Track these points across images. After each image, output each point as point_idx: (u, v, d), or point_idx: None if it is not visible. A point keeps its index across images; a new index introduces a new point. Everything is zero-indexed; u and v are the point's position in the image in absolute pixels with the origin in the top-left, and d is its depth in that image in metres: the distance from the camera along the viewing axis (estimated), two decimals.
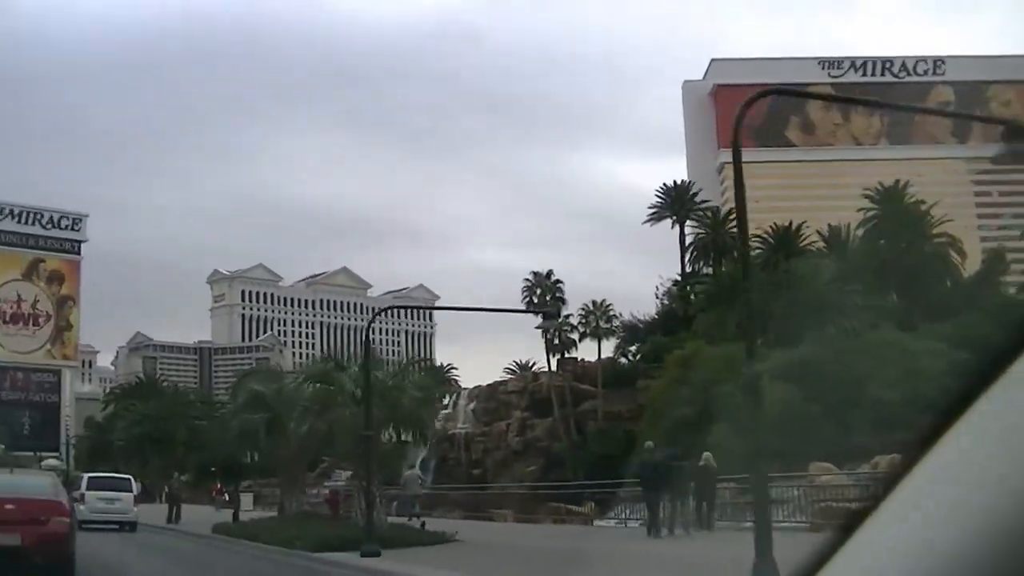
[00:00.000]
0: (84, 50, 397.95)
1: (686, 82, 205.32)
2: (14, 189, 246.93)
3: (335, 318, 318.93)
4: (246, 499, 79.75)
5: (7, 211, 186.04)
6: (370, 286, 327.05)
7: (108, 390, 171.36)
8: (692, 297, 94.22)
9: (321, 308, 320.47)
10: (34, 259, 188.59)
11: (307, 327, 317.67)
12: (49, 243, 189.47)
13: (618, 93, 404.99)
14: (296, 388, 37.41)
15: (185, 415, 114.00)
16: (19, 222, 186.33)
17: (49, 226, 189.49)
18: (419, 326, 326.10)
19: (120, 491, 48.39)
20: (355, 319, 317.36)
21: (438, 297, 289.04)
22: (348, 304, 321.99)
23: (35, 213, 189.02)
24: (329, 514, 40.96)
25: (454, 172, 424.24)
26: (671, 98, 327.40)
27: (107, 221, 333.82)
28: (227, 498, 76.09)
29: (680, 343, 75.94)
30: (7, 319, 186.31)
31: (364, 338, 29.73)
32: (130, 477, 54.71)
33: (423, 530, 34.19)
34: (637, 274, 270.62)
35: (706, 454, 35.34)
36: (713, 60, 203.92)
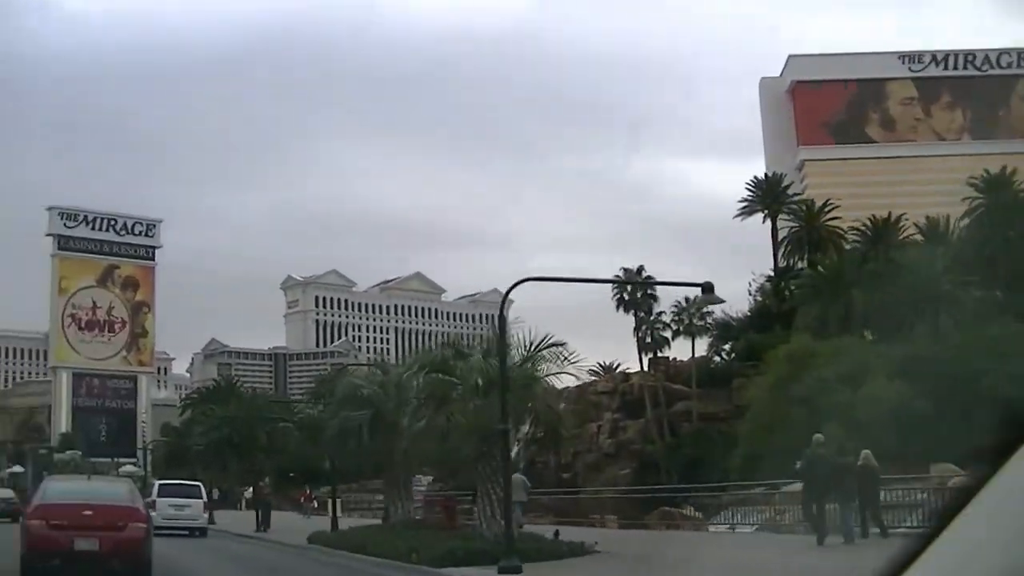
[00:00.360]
0: (154, 60, 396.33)
1: (763, 79, 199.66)
2: (88, 197, 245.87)
3: (409, 323, 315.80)
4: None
5: (81, 218, 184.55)
6: (444, 291, 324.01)
7: (184, 396, 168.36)
8: (787, 292, 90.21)
9: (395, 313, 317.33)
10: (108, 265, 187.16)
11: (381, 332, 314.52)
12: (123, 249, 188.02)
13: (689, 93, 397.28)
14: (406, 380, 33.39)
15: (265, 419, 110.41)
16: (93, 228, 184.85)
17: (123, 232, 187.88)
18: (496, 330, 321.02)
19: (190, 498, 48.92)
20: (429, 324, 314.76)
21: (512, 302, 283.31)
22: (422, 309, 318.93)
23: (109, 219, 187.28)
24: (443, 523, 36.53)
25: (526, 177, 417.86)
26: (745, 98, 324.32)
27: (180, 230, 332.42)
28: (315, 504, 72.55)
29: (776, 340, 72.09)
30: (82, 326, 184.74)
31: (499, 313, 24.18)
32: (199, 484, 54.66)
33: (557, 540, 29.80)
34: (712, 274, 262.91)
35: (865, 452, 30.95)
36: (791, 56, 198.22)
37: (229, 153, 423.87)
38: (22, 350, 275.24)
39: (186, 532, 45.00)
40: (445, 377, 29.87)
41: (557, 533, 30.13)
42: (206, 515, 49.76)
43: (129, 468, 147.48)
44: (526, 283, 31.14)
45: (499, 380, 27.22)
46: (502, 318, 26.06)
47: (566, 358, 30.30)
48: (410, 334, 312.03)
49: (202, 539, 44.11)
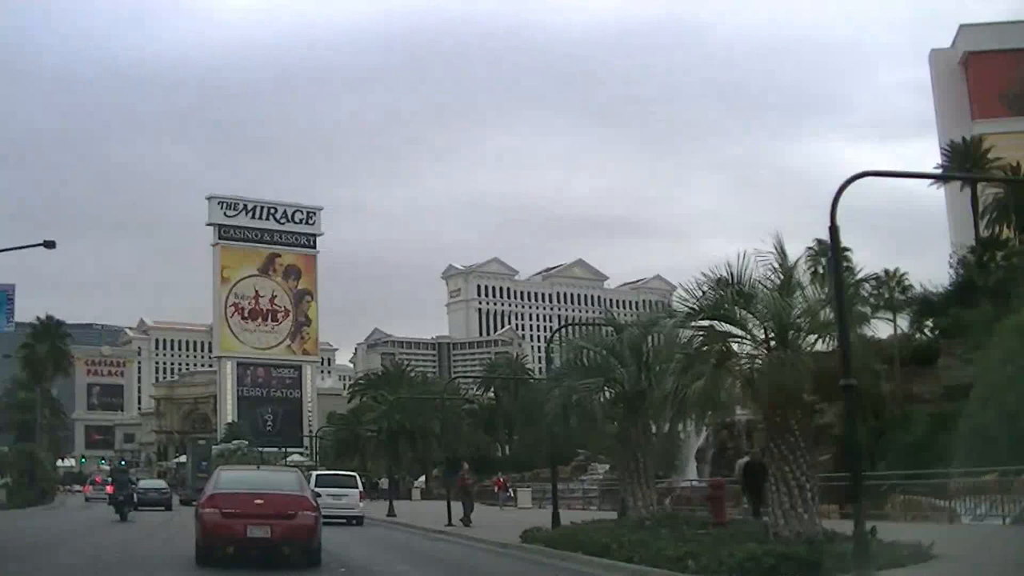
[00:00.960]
0: (322, 56, 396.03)
1: (934, 51, 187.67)
2: (248, 187, 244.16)
3: (572, 311, 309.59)
4: (523, 494, 69.39)
5: (241, 207, 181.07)
6: (606, 278, 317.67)
7: (351, 384, 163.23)
8: (994, 264, 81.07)
9: (557, 301, 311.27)
10: (270, 254, 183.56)
11: (544, 320, 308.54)
12: (284, 237, 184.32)
13: (849, 73, 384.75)
14: (669, 335, 25.83)
15: (437, 405, 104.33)
16: (253, 217, 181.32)
17: (283, 220, 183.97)
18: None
19: (346, 487, 50.41)
20: (591, 311, 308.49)
21: (674, 288, 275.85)
22: (584, 296, 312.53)
23: (270, 208, 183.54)
24: (710, 516, 28.67)
25: (685, 164, 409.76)
26: (910, 77, 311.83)
27: (342, 223, 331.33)
28: (511, 493, 65.98)
29: (986, 315, 63.31)
30: (245, 315, 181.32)
31: (831, 217, 16.15)
32: (355, 474, 56.71)
33: (874, 537, 21.82)
34: (898, 252, 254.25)
35: None
36: (962, 26, 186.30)
37: (392, 146, 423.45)
38: (189, 342, 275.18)
39: (343, 521, 45.71)
40: (726, 326, 22.30)
41: (874, 530, 22.13)
42: (362, 504, 50.72)
43: (297, 458, 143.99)
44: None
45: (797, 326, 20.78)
46: (833, 228, 18.04)
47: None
48: (573, 321, 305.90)
49: (384, 533, 41.84)
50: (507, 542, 31.69)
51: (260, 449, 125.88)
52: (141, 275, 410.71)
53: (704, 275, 22.79)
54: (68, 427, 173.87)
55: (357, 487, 51.44)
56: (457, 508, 44.89)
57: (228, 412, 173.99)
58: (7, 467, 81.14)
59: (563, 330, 44.11)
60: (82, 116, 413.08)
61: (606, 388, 29.67)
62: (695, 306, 22.96)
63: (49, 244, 58.77)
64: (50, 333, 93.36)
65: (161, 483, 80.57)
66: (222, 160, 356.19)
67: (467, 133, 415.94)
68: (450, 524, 43.20)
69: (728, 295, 21.89)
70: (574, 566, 24.75)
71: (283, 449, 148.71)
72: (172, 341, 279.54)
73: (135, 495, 57.83)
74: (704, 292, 22.76)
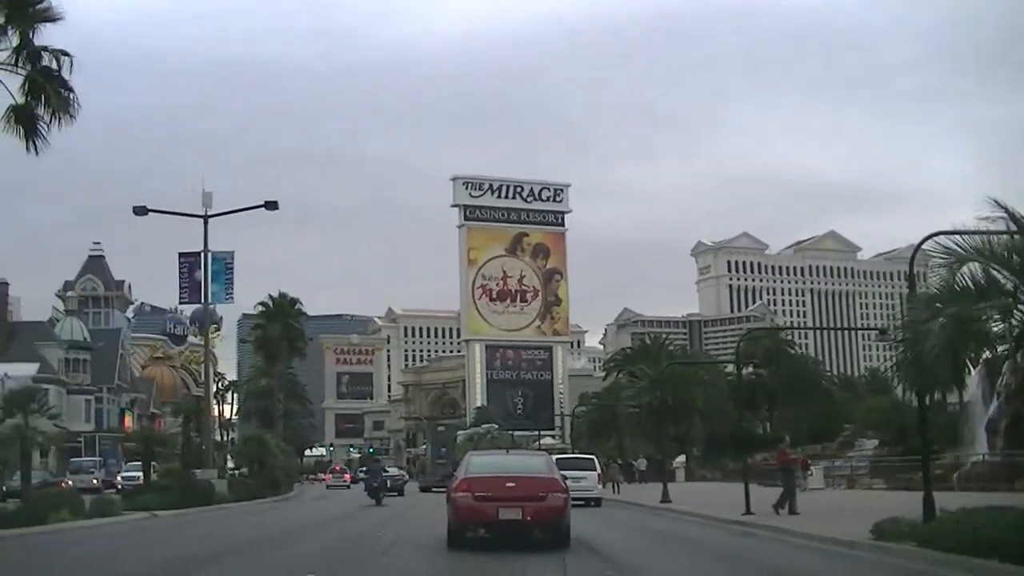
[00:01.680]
0: (559, 38, 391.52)
1: None
2: (492, 167, 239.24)
3: (824, 284, 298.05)
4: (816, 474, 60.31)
5: (487, 186, 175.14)
6: (859, 249, 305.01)
7: (605, 361, 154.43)
8: None
9: (809, 274, 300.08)
10: (517, 233, 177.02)
11: (796, 295, 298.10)
12: (531, 216, 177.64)
13: None
14: None
15: (700, 380, 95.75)
16: (499, 196, 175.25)
17: (531, 199, 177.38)
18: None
19: (585, 470, 50.83)
20: (844, 284, 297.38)
21: (931, 257, 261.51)
22: (836, 269, 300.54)
23: (515, 186, 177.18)
24: None
25: (938, 131, 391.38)
26: None
27: (588, 204, 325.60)
28: (812, 472, 57.43)
29: None
30: (493, 296, 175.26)
31: None
32: (593, 457, 57.22)
33: None
34: None
35: None
36: None
37: (637, 125, 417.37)
38: (438, 329, 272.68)
39: (582, 503, 44.61)
40: None
41: None
42: (600, 487, 52.13)
43: (548, 440, 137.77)
44: None
45: None
46: None
47: None
48: (825, 295, 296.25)
49: (667, 526, 36.10)
50: (850, 539, 22.84)
51: (511, 432, 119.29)
52: (390, 265, 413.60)
53: None
54: (315, 415, 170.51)
55: (595, 469, 52.71)
56: (757, 492, 36.61)
57: (477, 396, 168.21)
58: (237, 456, 75.44)
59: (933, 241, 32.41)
60: (329, 112, 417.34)
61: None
62: None
63: (271, 205, 52.49)
64: (283, 311, 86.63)
65: (393, 470, 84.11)
66: (467, 147, 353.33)
67: (712, 108, 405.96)
68: (748, 512, 34.55)
69: None
70: None
71: (537, 432, 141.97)
72: (420, 328, 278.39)
73: (387, 481, 60.35)
74: None
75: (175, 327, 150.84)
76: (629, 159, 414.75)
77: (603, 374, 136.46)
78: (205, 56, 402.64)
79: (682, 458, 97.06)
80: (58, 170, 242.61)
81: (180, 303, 56.82)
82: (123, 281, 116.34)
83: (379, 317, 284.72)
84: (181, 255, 53.58)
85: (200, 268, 52.31)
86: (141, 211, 51.31)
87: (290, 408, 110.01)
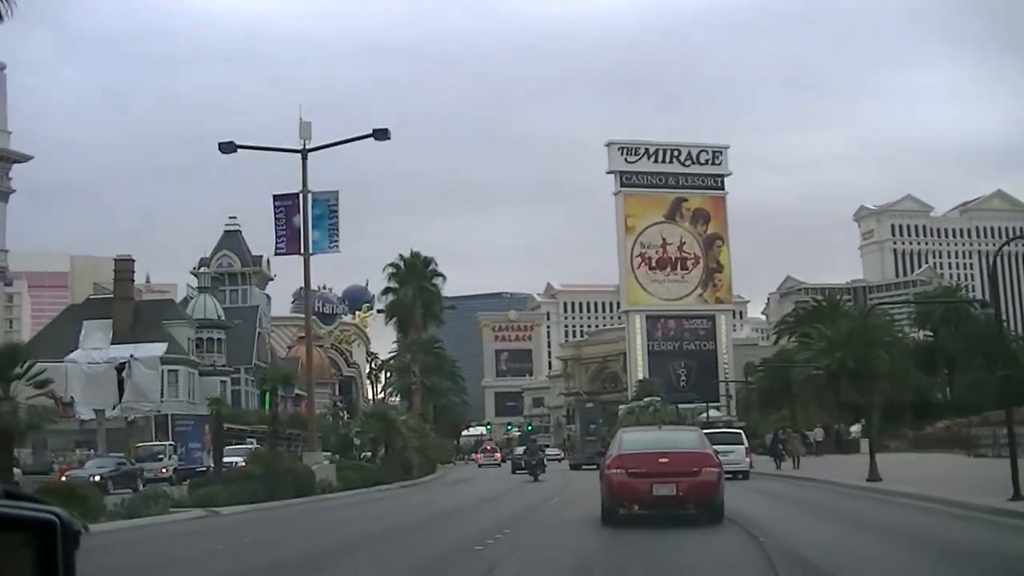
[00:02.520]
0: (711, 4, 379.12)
1: None
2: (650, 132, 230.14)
3: (992, 245, 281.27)
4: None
5: (643, 151, 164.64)
6: None
7: (776, 323, 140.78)
8: None
9: (976, 236, 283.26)
10: (676, 199, 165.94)
11: (963, 257, 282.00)
12: (690, 180, 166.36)
13: None
14: None
15: (883, 341, 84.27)
16: (656, 161, 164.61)
17: (688, 162, 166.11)
18: None
19: (732, 444, 49.83)
20: (1016, 245, 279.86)
21: None
22: (1005, 229, 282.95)
23: (672, 150, 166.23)
24: None
25: None
26: None
27: (747, 175, 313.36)
28: None
29: None
30: (652, 265, 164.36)
31: None
32: (740, 431, 57.84)
33: None
34: None
35: None
36: None
37: (794, 92, 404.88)
38: (597, 304, 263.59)
39: (729, 475, 40.13)
40: None
41: None
42: (747, 459, 52.15)
43: (714, 412, 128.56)
44: None
45: None
46: None
47: None
48: (993, 257, 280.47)
49: (904, 517, 27.50)
50: None
51: (676, 405, 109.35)
52: (548, 242, 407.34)
53: None
54: (468, 392, 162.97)
55: (743, 443, 52.56)
56: (970, 465, 26.78)
57: (638, 368, 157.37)
58: (361, 437, 65.42)
59: None
60: (482, 89, 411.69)
61: None
62: None
63: (380, 133, 43.22)
64: (415, 272, 75.93)
65: (519, 449, 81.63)
66: (622, 118, 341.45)
67: (872, 71, 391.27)
68: (1019, 496, 23.95)
69: None
70: None
71: (704, 404, 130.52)
72: (580, 304, 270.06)
73: (544, 460, 61.42)
74: None
75: (323, 306, 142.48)
76: (784, 127, 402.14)
77: (770, 341, 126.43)
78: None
79: (857, 427, 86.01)
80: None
81: (276, 253, 47.26)
82: (260, 256, 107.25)
83: (538, 294, 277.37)
84: (276, 198, 44.60)
85: (299, 212, 43.04)
86: (228, 148, 42.73)
87: (437, 384, 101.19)
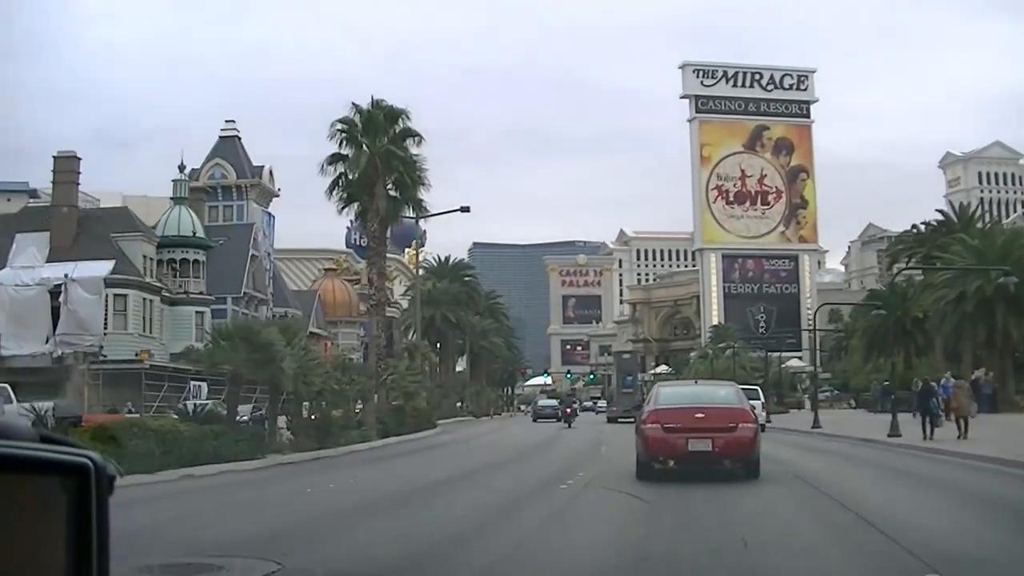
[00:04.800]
0: None
1: None
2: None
3: None
4: None
5: (720, 74, 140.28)
6: None
7: (893, 241, 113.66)
8: None
9: None
10: (757, 127, 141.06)
11: None
12: (772, 107, 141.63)
13: None
14: None
15: None
16: (735, 85, 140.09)
17: (771, 87, 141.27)
18: None
19: (751, 400, 38.27)
20: None
21: None
22: None
23: (753, 73, 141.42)
24: None
25: None
26: None
27: (830, 127, 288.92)
28: None
29: None
30: (730, 199, 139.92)
31: None
32: (758, 388, 54.73)
33: None
34: None
35: None
36: None
37: (876, 40, 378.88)
38: (670, 251, 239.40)
39: None
40: None
41: None
42: (764, 414, 47.99)
43: (795, 362, 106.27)
44: None
45: None
46: None
47: None
48: None
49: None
50: None
51: (758, 352, 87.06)
52: (624, 194, 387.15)
53: None
54: (518, 334, 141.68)
55: (760, 399, 49.54)
56: None
57: (713, 313, 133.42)
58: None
59: None
60: (545, 36, 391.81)
61: None
62: None
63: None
64: (377, 128, 44.22)
65: (553, 402, 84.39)
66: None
67: (955, 18, 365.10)
68: None
69: None
70: None
71: (780, 355, 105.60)
72: (653, 251, 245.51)
73: (577, 411, 68.01)
74: None
75: (360, 238, 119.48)
76: (869, 79, 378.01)
77: (860, 285, 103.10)
78: None
79: (982, 371, 61.23)
80: None
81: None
82: (262, 167, 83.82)
83: (611, 242, 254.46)
84: None
85: None
86: None
87: (463, 319, 78.25)
